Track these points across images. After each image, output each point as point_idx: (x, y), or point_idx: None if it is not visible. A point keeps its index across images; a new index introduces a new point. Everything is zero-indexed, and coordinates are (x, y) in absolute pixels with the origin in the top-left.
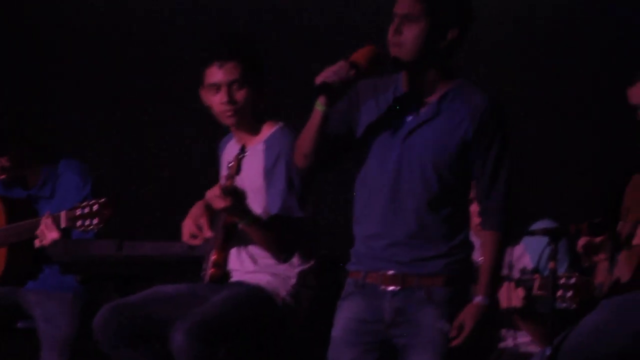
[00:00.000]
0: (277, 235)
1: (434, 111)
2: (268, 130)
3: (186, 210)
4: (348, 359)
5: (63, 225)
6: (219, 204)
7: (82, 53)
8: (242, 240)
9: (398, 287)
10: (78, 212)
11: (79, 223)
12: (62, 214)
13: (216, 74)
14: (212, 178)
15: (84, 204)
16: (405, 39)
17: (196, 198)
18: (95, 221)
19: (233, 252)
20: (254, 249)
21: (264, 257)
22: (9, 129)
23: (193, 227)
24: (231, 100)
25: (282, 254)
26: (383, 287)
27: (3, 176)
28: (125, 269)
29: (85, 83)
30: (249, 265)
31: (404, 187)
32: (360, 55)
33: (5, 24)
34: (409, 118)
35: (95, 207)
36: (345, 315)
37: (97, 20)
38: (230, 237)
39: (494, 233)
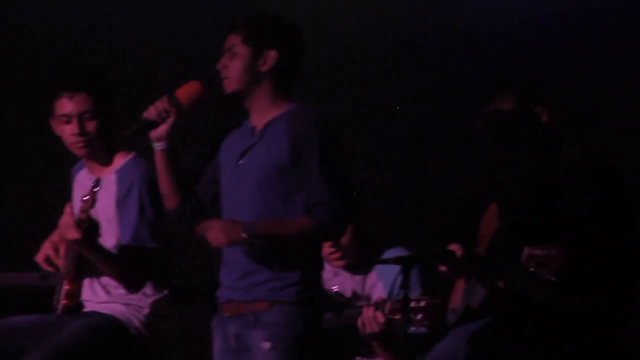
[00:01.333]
0: (128, 267)
1: (258, 137)
2: (120, 160)
3: (38, 239)
4: None
5: None
6: (71, 234)
7: None
8: (94, 271)
9: (234, 314)
10: None
11: None
12: None
13: (67, 105)
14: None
15: None
16: (231, 71)
17: (49, 227)
18: None
19: (86, 282)
20: (106, 280)
21: (117, 287)
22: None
23: (50, 250)
24: (82, 132)
25: (133, 285)
26: (226, 315)
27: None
28: None
29: None
30: (101, 296)
31: (235, 216)
32: (183, 91)
33: None
34: (242, 145)
35: None
36: (215, 347)
37: None
38: (83, 268)
39: (311, 221)
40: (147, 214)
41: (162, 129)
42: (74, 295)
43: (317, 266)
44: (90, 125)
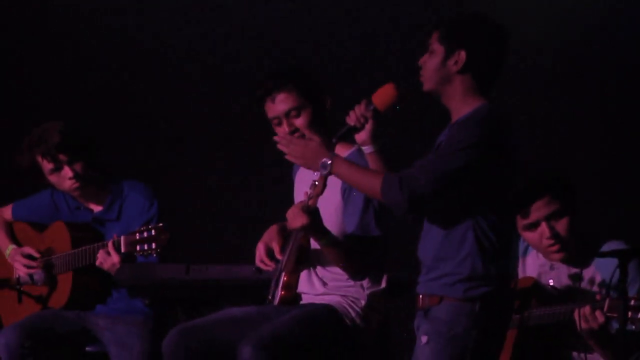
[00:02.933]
0: (354, 255)
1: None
2: (344, 151)
3: (253, 233)
4: None
5: (123, 250)
6: (298, 222)
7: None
8: (312, 263)
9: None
10: (137, 236)
11: (138, 247)
12: (122, 239)
13: (272, 109)
14: (283, 201)
15: (142, 228)
16: (426, 69)
17: (265, 222)
18: (153, 245)
19: (303, 274)
20: (323, 272)
21: (334, 280)
22: (84, 136)
23: (264, 251)
24: (292, 130)
25: (358, 273)
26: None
27: (76, 185)
28: (192, 292)
29: (144, 111)
30: (319, 288)
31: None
32: (378, 95)
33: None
34: None
35: (153, 232)
36: None
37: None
38: (302, 260)
39: (381, 176)
40: (373, 202)
41: (363, 135)
42: (292, 286)
43: (498, 263)
44: (299, 121)
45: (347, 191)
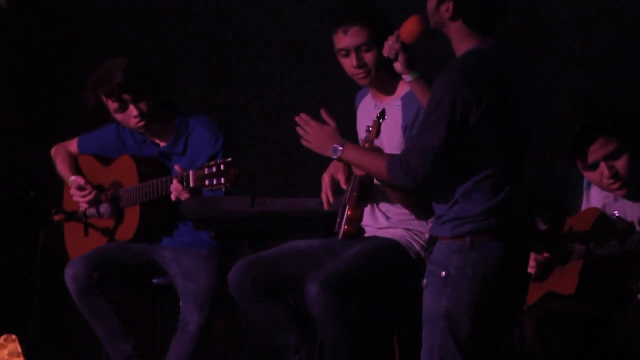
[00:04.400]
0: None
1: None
2: (405, 87)
3: (318, 165)
4: None
5: (192, 184)
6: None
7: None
8: (376, 198)
9: None
10: (206, 171)
11: (207, 182)
12: (191, 173)
13: (343, 40)
14: (349, 132)
15: (211, 163)
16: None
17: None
18: (222, 180)
19: (367, 209)
20: (387, 206)
21: (398, 214)
22: (148, 74)
23: (329, 182)
24: (360, 64)
25: (423, 213)
26: None
27: (142, 123)
28: (258, 225)
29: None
30: (382, 222)
31: None
32: (404, 29)
33: None
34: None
35: (222, 167)
36: None
37: None
38: (366, 194)
39: (385, 161)
40: None
41: (397, 66)
42: (355, 221)
43: (490, 204)
44: (369, 57)
45: (407, 128)
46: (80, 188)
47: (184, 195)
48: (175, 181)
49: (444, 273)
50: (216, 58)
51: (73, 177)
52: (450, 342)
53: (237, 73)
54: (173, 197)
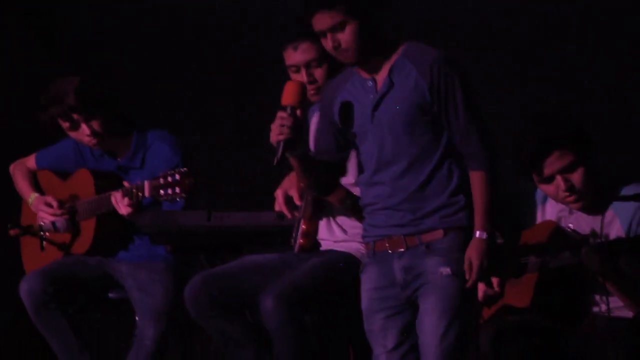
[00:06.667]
0: None
1: (387, 84)
2: None
3: (273, 180)
4: (378, 327)
5: (147, 194)
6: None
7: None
8: (331, 211)
9: (403, 249)
10: (161, 181)
11: (161, 192)
12: (146, 183)
13: (293, 56)
14: None
15: (167, 172)
16: (346, 46)
17: (286, 168)
18: (177, 190)
19: (323, 222)
20: (343, 219)
21: (354, 227)
22: (101, 93)
23: (282, 198)
24: (311, 80)
25: None
26: (390, 251)
27: (94, 141)
28: (214, 239)
29: (170, 58)
30: (338, 235)
31: (387, 159)
32: (287, 95)
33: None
34: (371, 97)
35: (177, 177)
36: (365, 286)
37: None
38: (321, 208)
39: (480, 172)
40: None
41: (297, 139)
42: (311, 234)
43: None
44: (319, 72)
45: None
46: (48, 205)
47: (125, 210)
48: (118, 193)
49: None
50: (176, 70)
51: (35, 195)
52: None
53: (197, 86)
54: (119, 210)
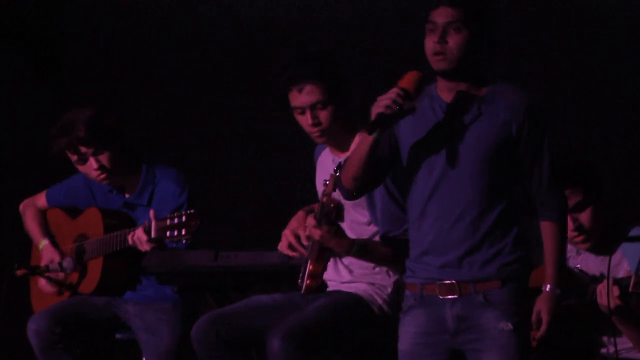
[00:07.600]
0: (393, 250)
1: (475, 114)
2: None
3: (280, 220)
4: None
5: (153, 235)
6: (316, 235)
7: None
8: (338, 252)
9: (455, 296)
10: (168, 222)
11: (168, 233)
12: (153, 224)
13: (298, 98)
14: (309, 188)
15: (174, 214)
16: (451, 48)
17: (293, 207)
18: (183, 232)
19: (330, 263)
20: (350, 260)
21: (360, 267)
22: (111, 127)
23: (291, 238)
24: (316, 122)
25: (400, 265)
26: (441, 297)
27: (102, 176)
28: (221, 279)
29: (173, 100)
30: (345, 276)
31: (451, 194)
32: (408, 81)
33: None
34: (451, 125)
35: (184, 218)
36: (409, 329)
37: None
38: (327, 249)
39: (554, 224)
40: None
41: (393, 120)
42: (318, 275)
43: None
44: (324, 115)
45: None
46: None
47: (145, 246)
48: (140, 230)
49: (526, 315)
50: (185, 105)
51: (46, 243)
52: None
53: (205, 125)
54: (141, 247)
